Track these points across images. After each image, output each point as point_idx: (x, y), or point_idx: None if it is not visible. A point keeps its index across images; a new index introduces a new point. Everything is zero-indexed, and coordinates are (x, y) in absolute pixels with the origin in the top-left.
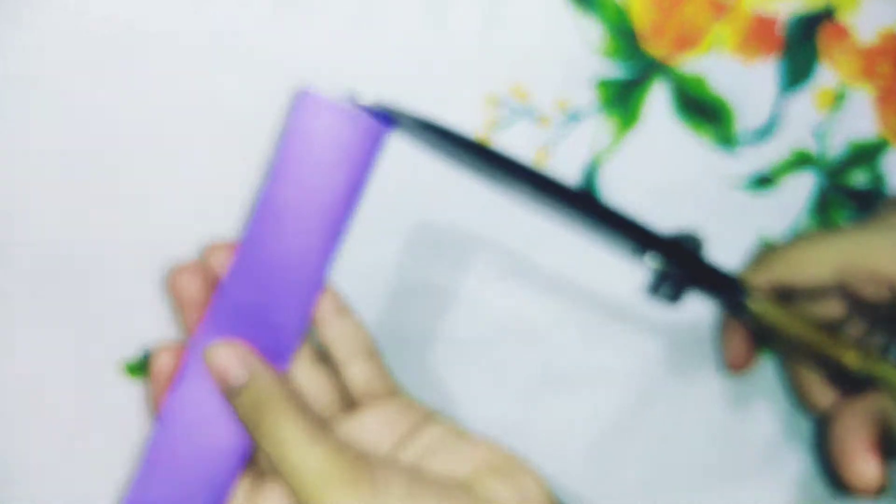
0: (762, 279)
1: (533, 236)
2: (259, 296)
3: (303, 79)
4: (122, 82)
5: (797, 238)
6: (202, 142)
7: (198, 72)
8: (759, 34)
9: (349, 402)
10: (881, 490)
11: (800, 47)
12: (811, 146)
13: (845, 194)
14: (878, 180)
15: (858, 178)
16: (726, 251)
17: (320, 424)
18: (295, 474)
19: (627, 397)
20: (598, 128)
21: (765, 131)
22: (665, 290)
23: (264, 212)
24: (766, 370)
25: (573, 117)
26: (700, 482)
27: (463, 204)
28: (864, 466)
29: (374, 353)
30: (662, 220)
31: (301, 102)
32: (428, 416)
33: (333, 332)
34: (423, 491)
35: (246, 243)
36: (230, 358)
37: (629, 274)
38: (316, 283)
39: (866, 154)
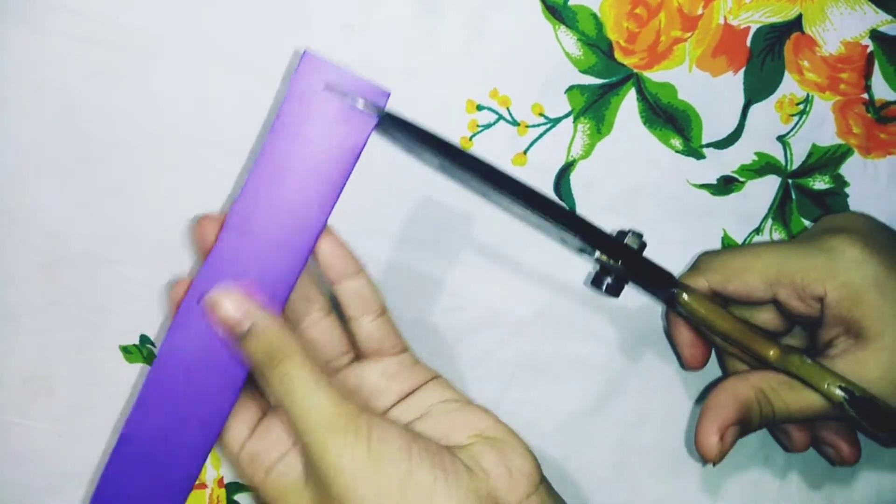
0: (698, 286)
1: (515, 233)
2: (255, 245)
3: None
4: (124, 82)
5: (732, 249)
6: (201, 138)
7: (193, 72)
8: (728, 45)
9: (357, 357)
10: (717, 461)
11: (767, 57)
12: (776, 151)
13: (807, 197)
14: (839, 184)
15: (820, 182)
16: (693, 251)
17: (326, 373)
18: (298, 418)
19: (599, 383)
20: (572, 133)
21: (732, 138)
22: (608, 284)
23: (264, 164)
24: None
25: (549, 122)
26: (666, 463)
27: (449, 203)
28: (708, 440)
29: (384, 312)
30: (631, 221)
31: (305, 62)
32: (432, 378)
33: (348, 289)
34: (417, 450)
35: (245, 192)
36: (234, 304)
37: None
38: (311, 235)
39: (828, 159)
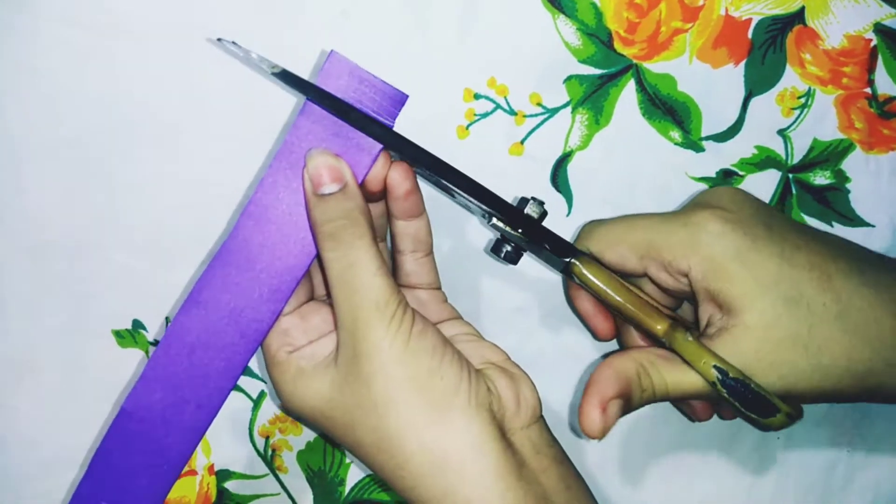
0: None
1: None
2: (269, 234)
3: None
4: (114, 72)
5: (614, 219)
6: (188, 125)
7: (183, 59)
8: (729, 37)
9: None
10: (600, 437)
11: (769, 50)
12: (776, 145)
13: (808, 192)
14: (840, 179)
15: (821, 177)
16: None
17: (386, 262)
18: (354, 293)
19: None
20: (570, 123)
21: (732, 131)
22: (506, 252)
23: (281, 159)
24: None
25: (547, 112)
26: (656, 464)
27: (437, 195)
28: (590, 415)
29: (430, 252)
30: (629, 213)
31: (331, 61)
32: (457, 316)
33: (409, 227)
34: (450, 353)
35: (264, 184)
36: (328, 165)
37: None
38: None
39: (830, 154)
